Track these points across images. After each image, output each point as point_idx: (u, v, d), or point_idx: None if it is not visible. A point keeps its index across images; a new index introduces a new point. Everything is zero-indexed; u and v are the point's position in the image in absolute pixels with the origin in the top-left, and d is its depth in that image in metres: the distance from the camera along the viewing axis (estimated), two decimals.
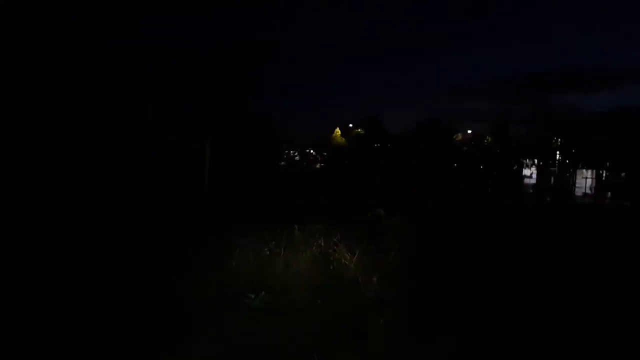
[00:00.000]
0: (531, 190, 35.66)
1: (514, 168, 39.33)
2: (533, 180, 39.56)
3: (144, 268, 7.00)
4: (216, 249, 8.31)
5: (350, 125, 53.55)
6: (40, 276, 6.64)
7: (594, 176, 35.41)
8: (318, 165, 52.21)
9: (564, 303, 6.84)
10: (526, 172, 41.25)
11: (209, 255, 7.96)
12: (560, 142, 38.98)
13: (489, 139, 44.90)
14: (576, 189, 34.77)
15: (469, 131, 47.54)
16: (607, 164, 34.59)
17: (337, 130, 55.53)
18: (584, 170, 35.86)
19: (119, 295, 6.01)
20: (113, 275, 6.61)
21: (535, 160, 40.33)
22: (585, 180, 35.33)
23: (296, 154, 54.98)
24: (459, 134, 46.74)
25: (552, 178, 37.71)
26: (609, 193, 31.37)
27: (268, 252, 7.99)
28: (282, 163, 43.44)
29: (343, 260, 7.74)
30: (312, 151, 57.80)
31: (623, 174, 33.82)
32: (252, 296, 6.17)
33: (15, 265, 7.01)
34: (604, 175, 35.45)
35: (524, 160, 40.58)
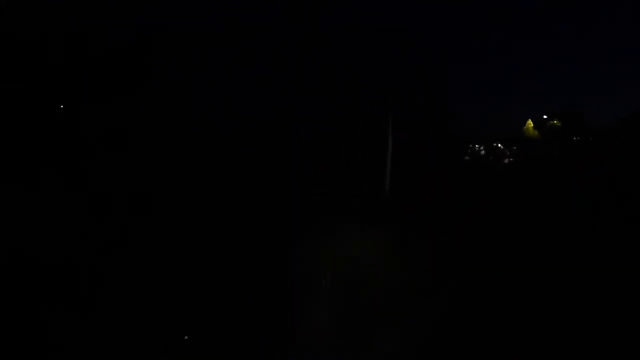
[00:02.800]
0: None
1: None
2: None
3: None
4: None
5: (545, 116, 48.80)
6: None
7: None
8: (506, 160, 49.01)
9: None
10: None
11: None
12: None
13: None
14: None
15: None
16: None
17: (530, 122, 51.10)
18: None
19: None
20: None
21: None
22: None
23: (481, 147, 52.69)
24: None
25: None
26: None
27: None
28: (467, 158, 42.47)
29: None
30: (499, 145, 54.51)
31: None
32: None
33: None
34: None
35: None
